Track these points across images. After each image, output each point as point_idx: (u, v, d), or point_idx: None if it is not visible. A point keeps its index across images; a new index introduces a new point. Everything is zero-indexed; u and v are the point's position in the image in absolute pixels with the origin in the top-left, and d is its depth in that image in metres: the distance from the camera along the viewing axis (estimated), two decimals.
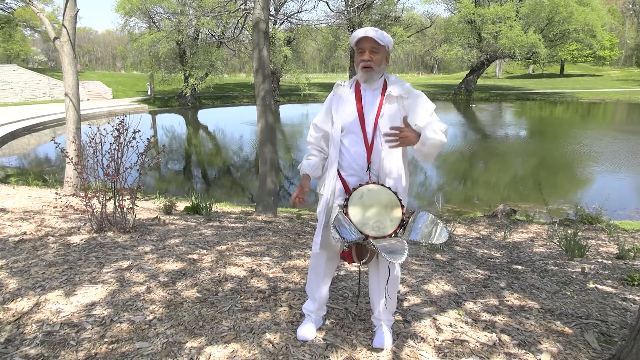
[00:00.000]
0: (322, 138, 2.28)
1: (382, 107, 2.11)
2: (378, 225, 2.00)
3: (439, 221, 2.02)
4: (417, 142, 2.00)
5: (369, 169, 2.12)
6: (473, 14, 30.96)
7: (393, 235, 2.01)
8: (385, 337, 2.21)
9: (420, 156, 2.09)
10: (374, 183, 2.09)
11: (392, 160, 2.11)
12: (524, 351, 2.21)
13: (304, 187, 2.28)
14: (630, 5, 62.86)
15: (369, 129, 2.10)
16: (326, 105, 2.26)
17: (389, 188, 2.07)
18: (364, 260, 2.13)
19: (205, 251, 3.66)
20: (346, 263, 3.30)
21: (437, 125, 2.04)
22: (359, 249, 2.11)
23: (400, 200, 2.06)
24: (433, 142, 2.01)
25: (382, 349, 2.18)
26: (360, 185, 2.08)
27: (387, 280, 2.15)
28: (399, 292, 2.90)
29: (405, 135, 1.95)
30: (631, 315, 2.69)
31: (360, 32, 2.08)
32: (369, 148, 2.10)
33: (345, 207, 2.03)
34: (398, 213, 2.03)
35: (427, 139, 2.00)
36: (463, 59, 33.08)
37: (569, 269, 3.71)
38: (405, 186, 2.18)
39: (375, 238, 1.97)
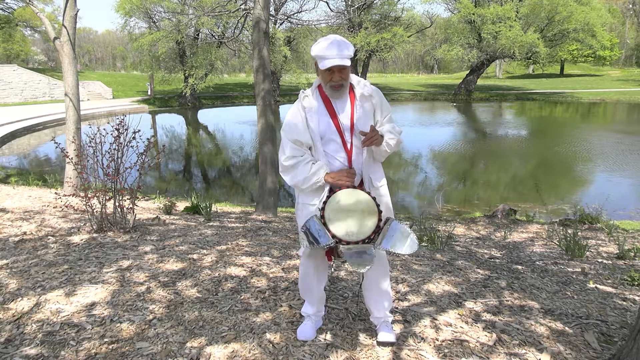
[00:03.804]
0: (306, 151, 2.16)
1: (354, 108, 2.14)
2: (353, 230, 1.98)
3: (410, 232, 2.02)
4: (381, 143, 2.09)
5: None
6: (473, 14, 30.97)
7: (367, 240, 1.99)
8: (387, 332, 2.23)
9: (378, 156, 2.19)
10: (353, 187, 2.06)
11: (371, 160, 2.18)
12: (524, 351, 2.21)
13: (342, 171, 2.09)
14: (630, 5, 62.84)
15: (346, 133, 2.12)
16: (299, 119, 2.13)
17: (369, 193, 2.05)
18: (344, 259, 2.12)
19: (205, 251, 3.66)
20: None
21: (395, 127, 2.18)
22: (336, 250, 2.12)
23: (378, 205, 2.02)
24: (395, 142, 2.13)
25: (387, 343, 2.19)
26: (340, 189, 2.05)
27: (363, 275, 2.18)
28: (399, 292, 2.90)
29: (377, 137, 2.03)
30: (631, 315, 2.69)
31: (328, 61, 1.98)
32: (349, 152, 2.12)
33: (322, 210, 2.01)
34: (374, 218, 2.00)
35: (390, 139, 2.11)
36: (463, 59, 33.09)
37: (569, 269, 3.71)
38: (384, 183, 2.26)
39: (348, 243, 1.97)
